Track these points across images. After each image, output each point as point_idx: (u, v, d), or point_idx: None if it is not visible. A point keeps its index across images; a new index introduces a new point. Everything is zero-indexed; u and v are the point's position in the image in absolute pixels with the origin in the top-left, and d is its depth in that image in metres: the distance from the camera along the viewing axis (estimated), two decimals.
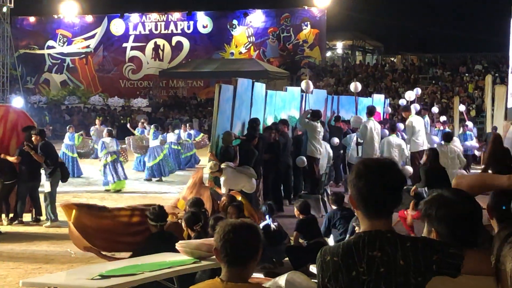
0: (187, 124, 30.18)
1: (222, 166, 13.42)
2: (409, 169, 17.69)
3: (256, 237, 3.94)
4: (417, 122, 18.71)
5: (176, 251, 7.59)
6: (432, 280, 3.21)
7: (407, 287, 3.19)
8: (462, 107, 27.11)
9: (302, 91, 18.99)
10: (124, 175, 20.75)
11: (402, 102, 23.95)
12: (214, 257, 7.30)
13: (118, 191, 20.16)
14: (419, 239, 3.29)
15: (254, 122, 15.79)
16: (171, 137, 25.99)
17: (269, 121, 17.44)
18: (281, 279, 6.99)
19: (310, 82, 18.18)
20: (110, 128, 22.11)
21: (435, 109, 27.97)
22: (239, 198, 11.73)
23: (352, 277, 3.24)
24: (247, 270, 3.92)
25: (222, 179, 13.19)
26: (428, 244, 3.24)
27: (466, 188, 3.50)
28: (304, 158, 16.69)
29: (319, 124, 16.96)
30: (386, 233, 3.26)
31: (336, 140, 18.57)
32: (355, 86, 19.10)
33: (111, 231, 8.70)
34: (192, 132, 28.98)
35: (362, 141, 17.88)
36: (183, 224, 8.94)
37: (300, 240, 10.89)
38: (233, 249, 3.85)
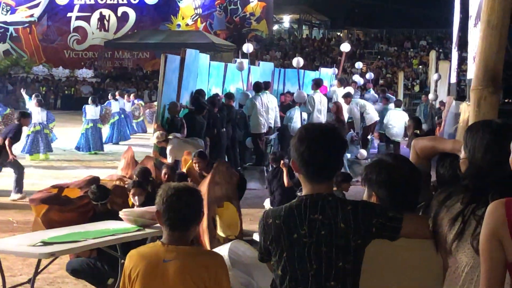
0: (131, 94, 30.19)
1: (169, 136, 13.33)
2: (363, 152, 17.93)
3: (197, 201, 3.97)
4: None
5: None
6: (371, 242, 3.26)
7: (347, 250, 3.23)
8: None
9: (250, 63, 19.05)
10: (46, 147, 20.36)
11: (357, 79, 24.10)
12: (157, 225, 7.36)
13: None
14: (360, 202, 3.33)
15: (198, 94, 15.77)
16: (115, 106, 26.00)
17: (214, 92, 17.44)
18: (224, 248, 7.03)
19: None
20: (40, 98, 21.31)
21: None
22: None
23: (293, 239, 3.28)
24: (189, 233, 3.95)
25: (168, 148, 13.06)
26: (368, 208, 3.29)
27: (419, 150, 3.59)
28: (251, 141, 16.91)
29: (263, 96, 16.97)
30: (327, 196, 3.30)
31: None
32: (297, 61, 19.15)
33: (75, 223, 8.58)
34: (135, 101, 29.35)
35: (308, 113, 17.97)
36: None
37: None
38: (175, 213, 3.88)
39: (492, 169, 2.98)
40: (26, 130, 19.60)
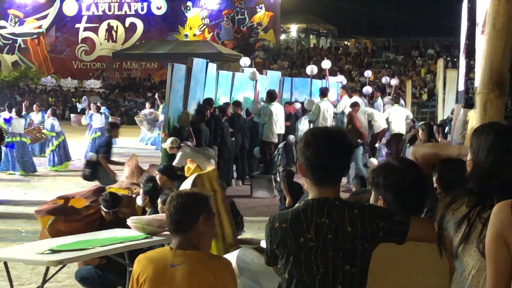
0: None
1: (181, 144, 13.30)
2: (374, 161, 17.97)
3: (193, 204, 4.01)
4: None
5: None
6: (378, 246, 3.27)
7: (354, 254, 3.23)
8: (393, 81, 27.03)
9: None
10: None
11: (367, 90, 24.09)
12: (165, 232, 7.37)
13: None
14: (366, 206, 3.34)
15: (207, 103, 15.84)
16: None
17: (223, 101, 17.51)
18: (232, 255, 7.03)
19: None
20: (19, 107, 21.16)
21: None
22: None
23: (300, 243, 3.28)
24: (192, 237, 3.97)
25: (179, 154, 12.92)
26: (375, 211, 3.29)
27: (420, 156, 3.56)
28: (259, 150, 16.94)
29: (274, 106, 17.03)
30: (334, 200, 3.30)
31: (291, 137, 18.70)
32: (311, 69, 19.25)
33: (81, 233, 8.58)
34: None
35: (313, 120, 18.03)
36: (142, 198, 8.82)
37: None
38: (171, 217, 3.94)
39: (496, 171, 2.98)
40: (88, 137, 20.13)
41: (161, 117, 22.78)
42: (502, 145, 2.99)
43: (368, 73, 26.78)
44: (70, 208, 8.65)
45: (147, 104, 27.51)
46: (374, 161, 17.66)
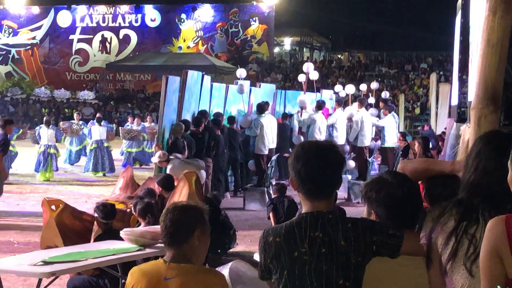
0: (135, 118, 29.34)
1: (171, 157, 13.36)
2: (351, 163, 18.21)
3: (187, 217, 4.01)
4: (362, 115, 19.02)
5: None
6: (372, 260, 3.26)
7: (347, 267, 3.23)
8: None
9: (251, 84, 19.20)
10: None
11: (342, 95, 24.29)
12: (158, 245, 7.36)
13: None
14: (360, 220, 3.34)
15: (201, 114, 15.88)
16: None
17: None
18: (225, 268, 7.02)
19: (245, 85, 18.25)
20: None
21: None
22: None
23: (294, 257, 3.28)
24: (186, 250, 3.96)
25: (168, 167, 13.07)
26: (368, 225, 3.29)
27: (410, 172, 3.54)
28: (253, 163, 16.99)
29: (265, 118, 17.05)
30: (327, 214, 3.30)
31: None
32: (307, 67, 19.37)
33: (80, 234, 8.58)
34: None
35: (304, 130, 18.10)
36: (136, 213, 8.83)
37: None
38: (167, 229, 3.94)
39: (482, 178, 2.98)
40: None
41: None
42: (488, 152, 2.99)
43: (363, 87, 26.80)
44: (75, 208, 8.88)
45: (135, 120, 27.30)
46: (351, 164, 18.10)
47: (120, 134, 24.89)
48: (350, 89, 23.16)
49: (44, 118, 22.31)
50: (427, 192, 3.60)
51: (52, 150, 20.96)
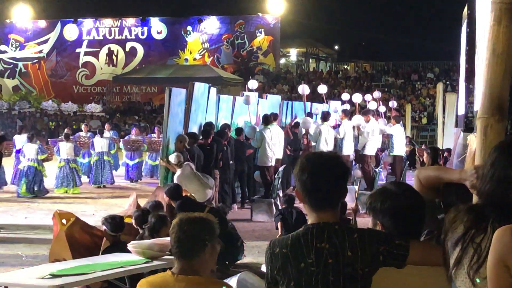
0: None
1: (186, 163, 13.41)
2: (358, 172, 18.26)
3: (200, 231, 3.98)
4: (373, 126, 19.06)
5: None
6: (378, 270, 3.26)
7: (354, 278, 3.23)
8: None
9: (258, 96, 19.26)
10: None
11: (345, 107, 24.31)
12: (166, 257, 7.37)
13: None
14: (366, 230, 3.35)
15: (208, 126, 15.90)
16: None
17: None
18: (233, 280, 7.03)
19: (252, 96, 18.33)
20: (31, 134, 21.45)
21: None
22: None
23: (300, 268, 3.28)
24: (197, 263, 3.95)
25: (178, 172, 13.16)
26: (375, 236, 3.30)
27: (423, 178, 3.56)
28: (259, 174, 16.99)
29: (270, 130, 17.03)
30: (333, 225, 3.30)
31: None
32: (303, 88, 19.41)
33: (89, 249, 8.61)
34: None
35: (314, 143, 18.11)
36: (133, 222, 8.93)
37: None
38: (177, 242, 3.91)
39: (498, 189, 2.97)
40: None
41: None
42: (504, 161, 2.98)
43: (368, 97, 26.78)
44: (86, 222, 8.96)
45: (134, 129, 27.13)
46: (358, 173, 18.19)
47: (122, 146, 24.82)
48: (357, 98, 23.19)
49: (64, 132, 22.40)
50: (443, 200, 3.61)
51: (73, 165, 20.90)
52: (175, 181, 12.90)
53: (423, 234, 3.52)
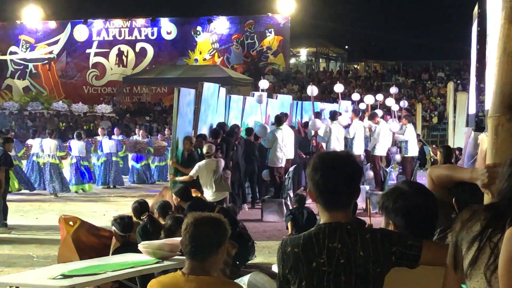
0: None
1: (217, 159, 13.64)
2: (370, 173, 18.24)
3: (216, 231, 3.97)
4: (384, 127, 19.05)
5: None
6: (391, 271, 3.25)
7: (366, 278, 3.22)
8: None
9: (268, 96, 19.24)
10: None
11: (362, 106, 24.26)
12: (176, 257, 7.37)
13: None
14: (378, 230, 3.33)
15: (220, 127, 15.90)
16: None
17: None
18: (244, 280, 7.02)
19: (264, 95, 18.41)
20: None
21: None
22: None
23: (312, 268, 3.27)
24: (209, 263, 3.94)
25: (202, 162, 13.38)
26: (387, 236, 3.28)
27: (436, 177, 3.57)
28: (267, 173, 16.99)
29: (282, 130, 17.02)
30: (346, 225, 3.29)
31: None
32: (312, 90, 19.41)
33: (97, 251, 8.63)
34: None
35: (324, 142, 18.10)
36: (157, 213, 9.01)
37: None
38: (192, 242, 3.90)
39: None
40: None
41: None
42: None
43: (380, 97, 26.63)
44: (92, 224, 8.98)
45: (141, 132, 27.25)
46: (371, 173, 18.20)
47: (127, 147, 24.87)
48: (369, 99, 23.16)
49: (76, 132, 22.68)
50: (456, 199, 3.60)
51: (85, 162, 21.22)
52: (195, 166, 13.26)
53: (436, 232, 3.50)
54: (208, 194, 13.34)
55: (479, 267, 2.83)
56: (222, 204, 13.32)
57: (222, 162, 13.81)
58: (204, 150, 13.66)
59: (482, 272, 2.82)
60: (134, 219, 9.42)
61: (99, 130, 26.22)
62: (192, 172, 13.31)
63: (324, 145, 18.11)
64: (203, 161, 13.41)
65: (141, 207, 9.25)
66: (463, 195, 3.54)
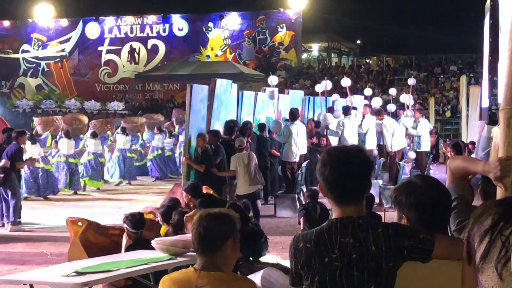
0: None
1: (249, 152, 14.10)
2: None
3: (221, 225, 3.97)
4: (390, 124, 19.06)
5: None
6: (403, 265, 3.24)
7: (379, 273, 3.21)
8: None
9: (279, 91, 19.25)
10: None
11: (390, 108, 24.11)
12: (189, 253, 7.37)
13: None
14: (390, 225, 3.31)
15: (233, 123, 15.90)
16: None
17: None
18: (257, 276, 7.02)
19: (276, 91, 18.41)
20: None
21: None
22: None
23: (324, 263, 3.27)
24: (218, 258, 3.94)
25: (235, 155, 13.76)
26: (399, 230, 3.27)
27: (453, 168, 3.57)
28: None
29: (296, 125, 17.03)
30: (357, 219, 3.28)
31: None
32: (326, 84, 19.42)
33: (107, 250, 8.64)
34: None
35: (336, 137, 18.13)
36: (159, 219, 8.96)
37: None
38: (198, 237, 3.91)
39: None
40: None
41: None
42: None
43: (393, 91, 26.44)
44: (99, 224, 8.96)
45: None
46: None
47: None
48: (377, 102, 23.04)
49: (90, 131, 23.17)
50: (482, 189, 3.59)
51: (101, 159, 21.52)
52: (231, 160, 13.78)
53: (454, 224, 3.48)
54: (242, 187, 13.64)
55: (490, 260, 2.82)
56: (255, 197, 13.46)
57: (254, 156, 13.97)
58: (236, 144, 14.03)
59: (493, 266, 2.80)
60: (146, 215, 9.44)
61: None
62: (232, 166, 13.76)
63: (336, 139, 18.10)
64: (236, 155, 13.67)
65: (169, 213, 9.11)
66: (489, 187, 3.52)
